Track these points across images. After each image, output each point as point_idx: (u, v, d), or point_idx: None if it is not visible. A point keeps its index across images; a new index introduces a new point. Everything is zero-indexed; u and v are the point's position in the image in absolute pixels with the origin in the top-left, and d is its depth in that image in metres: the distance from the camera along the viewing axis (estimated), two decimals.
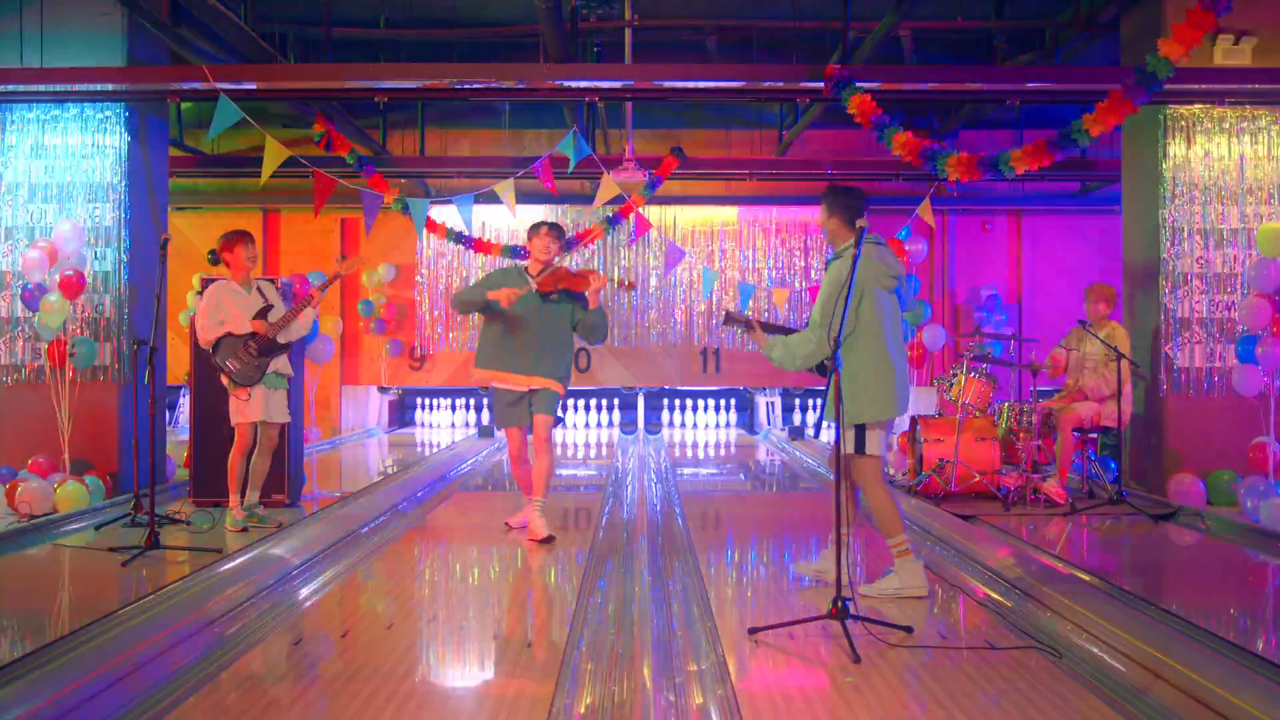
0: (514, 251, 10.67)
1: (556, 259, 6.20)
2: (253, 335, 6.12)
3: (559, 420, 6.25)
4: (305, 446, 8.28)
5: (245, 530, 6.10)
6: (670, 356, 13.15)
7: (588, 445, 12.35)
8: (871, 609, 4.55)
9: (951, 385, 7.40)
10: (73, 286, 7.16)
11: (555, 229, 6.19)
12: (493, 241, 11.04)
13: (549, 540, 6.06)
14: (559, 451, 11.57)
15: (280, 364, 6.27)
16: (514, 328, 6.01)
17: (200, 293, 7.45)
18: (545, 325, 6.04)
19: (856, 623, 4.17)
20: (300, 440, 7.33)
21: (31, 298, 7.14)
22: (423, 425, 13.98)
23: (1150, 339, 7.65)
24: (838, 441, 4.57)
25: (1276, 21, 7.40)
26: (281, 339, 6.20)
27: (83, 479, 6.86)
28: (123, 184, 7.49)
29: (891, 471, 8.61)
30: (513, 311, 5.96)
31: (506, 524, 6.55)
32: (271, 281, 6.63)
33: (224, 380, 6.14)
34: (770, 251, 13.06)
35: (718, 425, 13.88)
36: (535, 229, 6.20)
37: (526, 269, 6.18)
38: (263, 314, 6.17)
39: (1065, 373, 7.54)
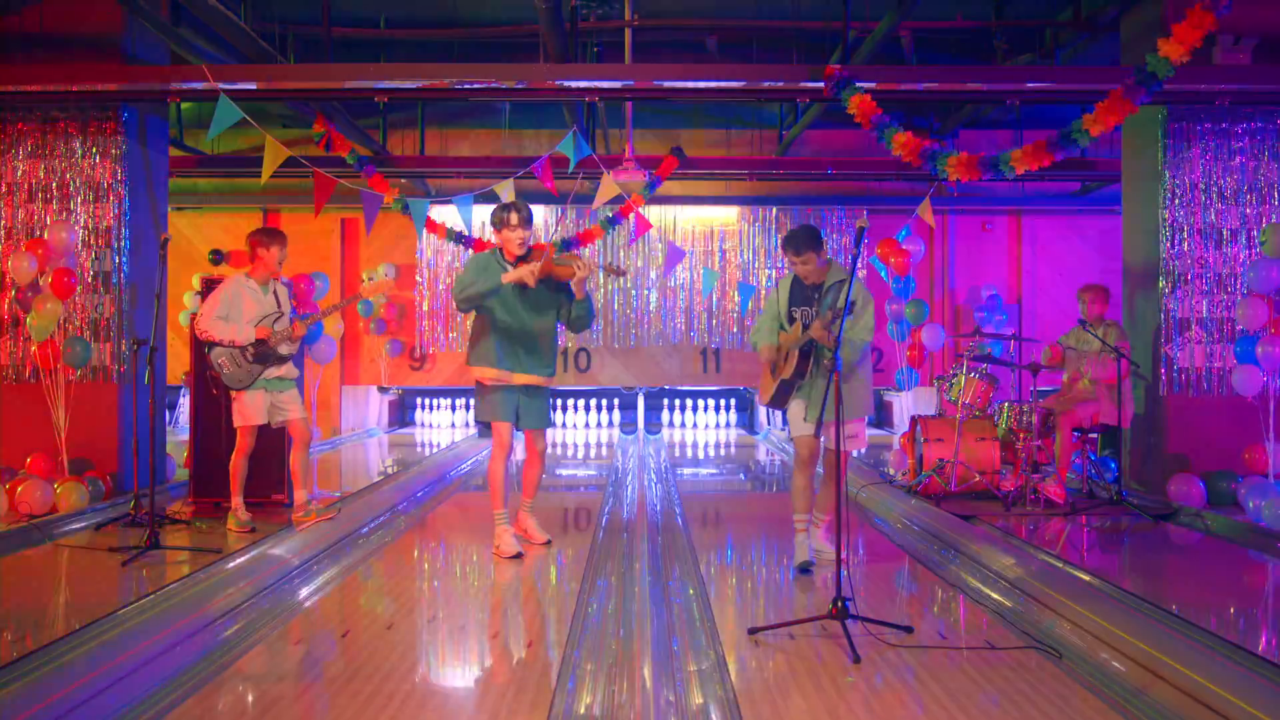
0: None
1: (532, 242, 5.79)
2: (255, 342, 6.08)
3: (551, 424, 6.12)
4: None
5: (253, 530, 6.10)
6: (670, 356, 13.15)
7: (588, 445, 12.35)
8: (869, 609, 4.55)
9: (952, 386, 7.41)
10: (64, 288, 7.13)
11: (521, 211, 5.71)
12: (492, 242, 11.03)
13: (549, 543, 6.07)
14: (558, 451, 11.58)
15: (283, 369, 6.22)
16: (503, 322, 5.70)
17: (200, 293, 7.45)
18: (531, 316, 5.73)
19: (856, 623, 4.18)
20: None
21: (25, 299, 7.14)
22: (423, 425, 13.98)
23: (1150, 339, 7.65)
24: (838, 443, 4.58)
25: (1277, 21, 7.40)
26: (284, 350, 6.16)
27: (83, 479, 6.87)
28: (123, 184, 7.49)
29: (891, 471, 8.64)
30: (499, 306, 5.66)
31: (499, 556, 5.82)
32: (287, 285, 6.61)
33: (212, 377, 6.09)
34: (770, 251, 13.06)
35: (718, 425, 13.88)
36: (503, 218, 5.70)
37: (503, 256, 5.75)
38: (269, 319, 6.13)
39: (1062, 362, 7.57)
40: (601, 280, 12.71)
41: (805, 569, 5.35)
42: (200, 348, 6.27)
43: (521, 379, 5.75)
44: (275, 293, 6.23)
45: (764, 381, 5.56)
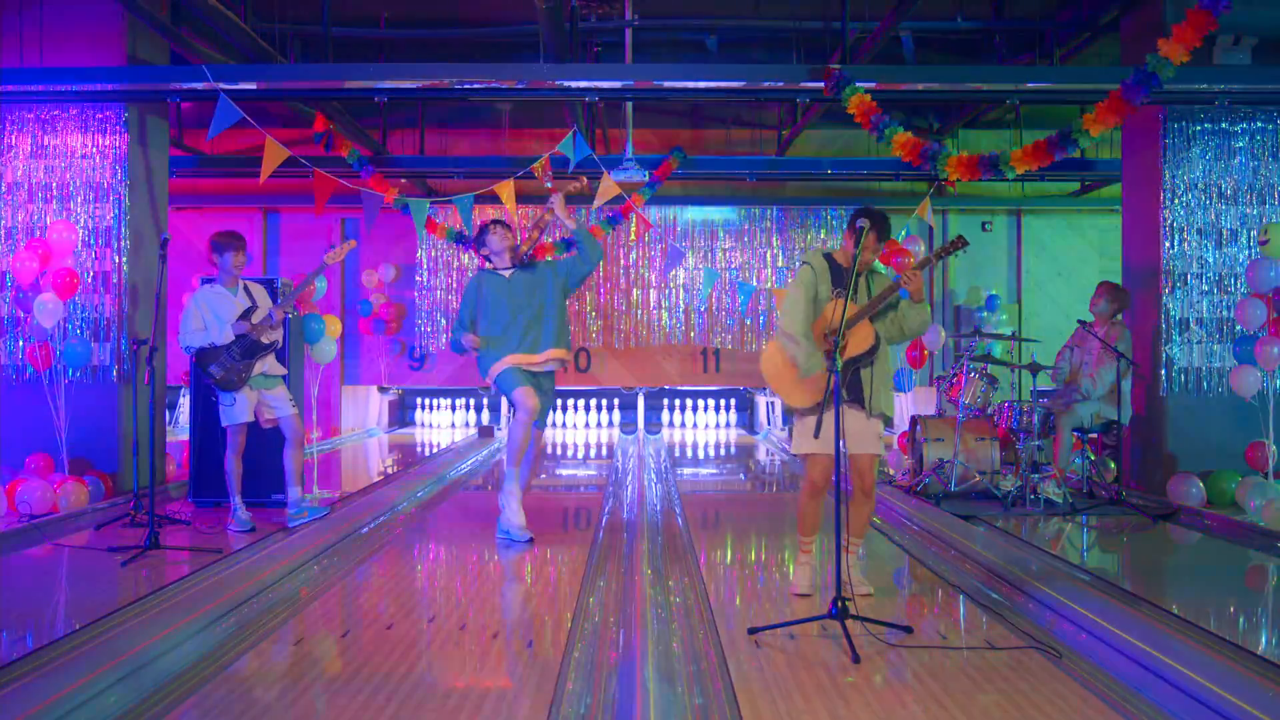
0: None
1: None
2: (237, 338, 6.13)
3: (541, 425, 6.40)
4: (306, 446, 8.26)
5: (253, 530, 6.12)
6: (670, 356, 13.15)
7: (588, 445, 12.35)
8: (870, 609, 4.55)
9: (965, 390, 7.37)
10: (65, 288, 7.12)
11: (499, 224, 6.29)
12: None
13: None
14: (558, 452, 11.59)
15: (268, 365, 6.27)
16: (498, 321, 6.13)
17: None
18: (522, 300, 6.15)
19: (856, 623, 4.18)
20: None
21: (26, 299, 7.13)
22: (423, 425, 13.98)
23: (1150, 339, 7.65)
24: (838, 443, 4.55)
25: (1277, 21, 7.40)
26: (266, 339, 6.21)
27: (83, 479, 6.86)
28: (123, 184, 7.49)
29: (891, 472, 8.63)
30: (488, 314, 6.14)
31: (505, 525, 6.26)
32: (270, 282, 6.62)
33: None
34: (770, 251, 13.06)
35: (718, 425, 13.88)
36: (485, 236, 6.29)
37: (494, 270, 6.28)
38: (246, 315, 6.18)
39: (1072, 374, 7.57)
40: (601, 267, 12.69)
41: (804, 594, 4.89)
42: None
43: (538, 358, 6.12)
44: (247, 290, 6.32)
45: (791, 384, 4.75)
